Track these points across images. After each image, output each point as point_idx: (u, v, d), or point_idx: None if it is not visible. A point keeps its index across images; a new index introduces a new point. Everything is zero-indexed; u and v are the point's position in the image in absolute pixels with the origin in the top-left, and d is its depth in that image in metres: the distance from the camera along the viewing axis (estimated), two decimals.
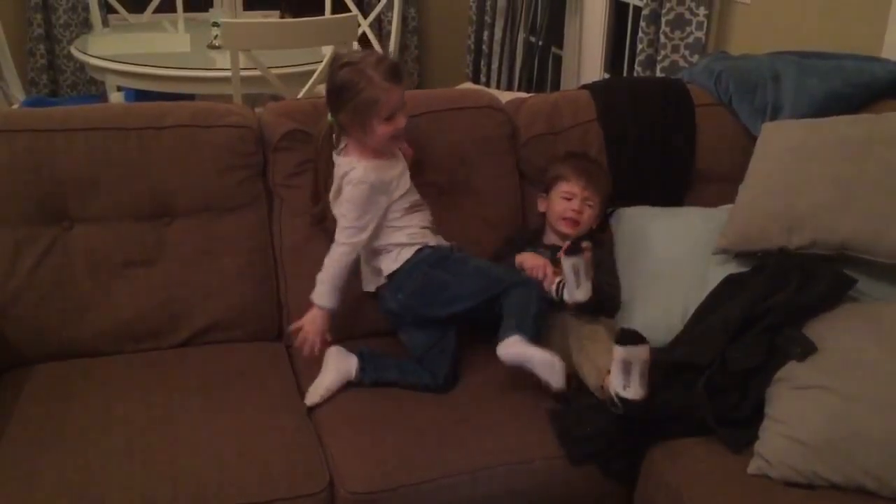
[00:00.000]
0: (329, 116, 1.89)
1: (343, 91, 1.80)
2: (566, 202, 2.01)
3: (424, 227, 1.92)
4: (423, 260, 1.87)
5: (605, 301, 1.89)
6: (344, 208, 1.85)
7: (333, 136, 1.90)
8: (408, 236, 1.89)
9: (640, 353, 1.59)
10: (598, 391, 1.68)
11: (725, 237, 1.91)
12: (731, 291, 1.81)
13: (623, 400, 1.59)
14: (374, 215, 1.85)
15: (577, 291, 1.77)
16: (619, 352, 1.59)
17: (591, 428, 1.66)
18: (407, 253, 1.87)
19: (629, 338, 1.60)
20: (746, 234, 1.89)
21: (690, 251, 1.98)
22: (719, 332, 1.71)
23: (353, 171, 1.84)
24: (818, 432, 1.53)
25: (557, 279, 1.83)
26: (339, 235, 1.85)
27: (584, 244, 1.77)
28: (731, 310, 1.74)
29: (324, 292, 1.83)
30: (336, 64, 1.83)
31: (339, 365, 1.82)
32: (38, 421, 1.66)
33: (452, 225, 2.05)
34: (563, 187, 2.03)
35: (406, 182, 1.91)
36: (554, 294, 1.83)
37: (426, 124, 2.07)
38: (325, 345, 1.84)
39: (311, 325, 1.83)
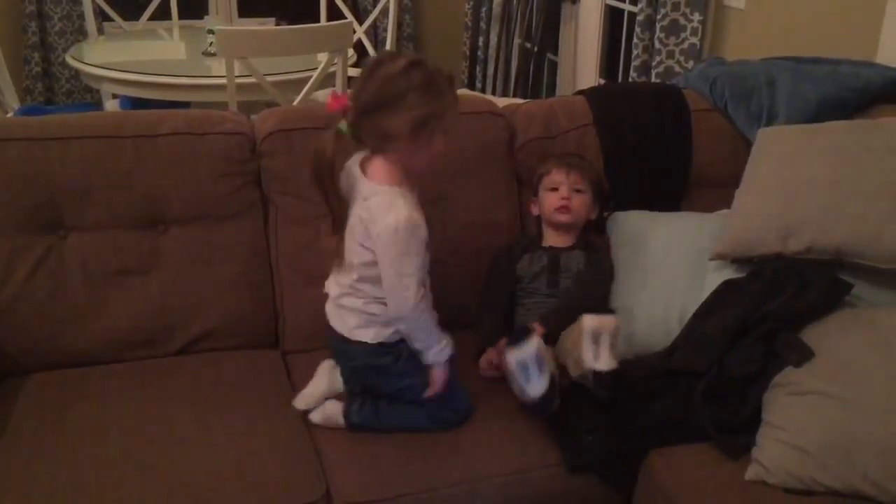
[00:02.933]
0: (343, 126, 1.58)
1: (415, 94, 1.52)
2: (554, 193, 1.99)
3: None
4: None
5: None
6: (402, 259, 1.55)
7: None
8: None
9: (608, 323, 1.59)
10: (581, 378, 1.64)
11: (722, 243, 1.91)
12: (729, 297, 1.81)
13: (595, 374, 1.57)
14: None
15: (530, 386, 1.62)
16: (588, 322, 1.58)
17: (591, 437, 1.65)
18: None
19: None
20: (743, 241, 1.88)
21: (687, 256, 1.98)
22: (717, 338, 1.71)
23: (391, 212, 1.54)
24: (816, 438, 1.53)
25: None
26: (411, 292, 1.57)
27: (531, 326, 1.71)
28: (728, 315, 1.74)
29: (442, 347, 1.65)
30: (398, 62, 1.53)
31: (331, 377, 1.77)
32: (34, 430, 1.65)
33: (450, 231, 2.05)
34: (548, 180, 2.01)
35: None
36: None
37: None
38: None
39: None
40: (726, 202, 2.02)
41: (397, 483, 1.58)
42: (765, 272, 1.80)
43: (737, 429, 1.64)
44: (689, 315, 1.84)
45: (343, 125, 1.58)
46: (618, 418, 1.68)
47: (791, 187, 1.87)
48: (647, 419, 1.67)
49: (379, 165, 1.61)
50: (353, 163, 1.66)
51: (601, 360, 1.57)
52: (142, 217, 1.93)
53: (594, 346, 1.57)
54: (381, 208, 1.56)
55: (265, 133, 2.00)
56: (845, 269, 1.79)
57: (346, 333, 1.70)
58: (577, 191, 2.00)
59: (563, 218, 1.98)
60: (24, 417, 1.69)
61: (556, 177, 2.00)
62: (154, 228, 1.95)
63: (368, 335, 1.67)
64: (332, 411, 1.72)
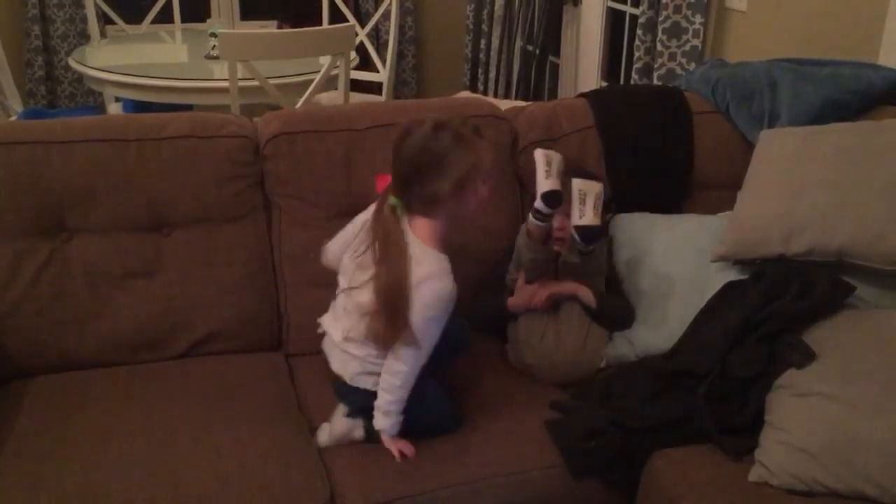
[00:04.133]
0: (393, 200, 1.62)
1: (450, 154, 1.58)
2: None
3: None
4: None
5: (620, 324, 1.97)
6: (432, 323, 1.59)
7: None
8: None
9: (594, 186, 1.83)
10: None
11: (724, 245, 1.92)
12: (731, 299, 1.81)
13: (579, 228, 1.80)
14: None
15: (584, 217, 1.80)
16: (576, 183, 1.81)
17: (594, 441, 1.65)
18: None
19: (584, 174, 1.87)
20: (745, 242, 1.89)
21: (689, 258, 1.98)
22: (719, 340, 1.71)
23: (441, 280, 1.58)
24: (818, 439, 1.53)
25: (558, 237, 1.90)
26: (424, 352, 1.60)
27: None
28: (730, 317, 1.74)
29: (398, 419, 1.64)
30: (424, 128, 1.59)
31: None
32: (39, 433, 1.65)
33: (453, 235, 2.04)
34: None
35: None
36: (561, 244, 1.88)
37: None
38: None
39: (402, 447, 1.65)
40: (728, 204, 2.03)
41: (399, 486, 1.59)
42: (767, 274, 1.80)
43: (739, 430, 1.65)
44: (692, 317, 1.85)
45: (393, 200, 1.63)
46: (620, 420, 1.68)
47: (793, 189, 1.88)
48: (649, 421, 1.67)
49: (424, 225, 1.63)
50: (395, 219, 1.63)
51: (585, 217, 1.79)
52: (145, 220, 1.93)
53: (581, 206, 1.80)
54: (433, 273, 1.59)
55: (268, 136, 2.00)
56: (847, 271, 1.79)
57: (346, 378, 1.70)
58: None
59: (559, 248, 1.95)
60: (28, 420, 1.69)
61: None
62: (157, 231, 1.95)
63: (369, 383, 1.67)
64: (345, 429, 1.69)
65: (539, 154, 1.86)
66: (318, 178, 2.02)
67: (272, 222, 2.04)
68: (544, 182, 1.82)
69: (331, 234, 1.97)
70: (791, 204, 1.86)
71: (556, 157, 1.86)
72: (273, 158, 2.00)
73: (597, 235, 1.83)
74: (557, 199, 1.81)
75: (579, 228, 1.81)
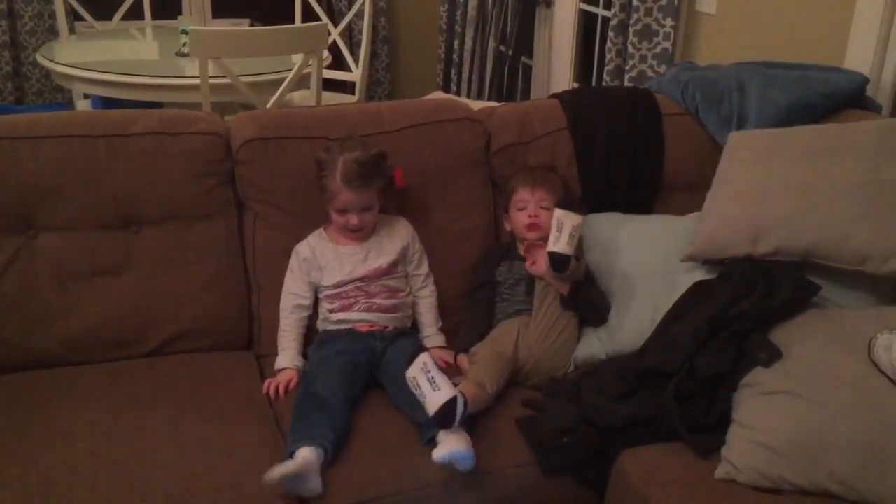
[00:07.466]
0: None
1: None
2: (522, 212, 2.05)
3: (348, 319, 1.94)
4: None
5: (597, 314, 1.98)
6: None
7: None
8: (322, 318, 1.98)
9: (573, 217, 1.87)
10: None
11: (693, 246, 1.93)
12: (699, 298, 1.82)
13: (550, 254, 1.85)
14: (300, 283, 1.96)
15: (558, 244, 1.85)
16: (556, 212, 1.88)
17: (567, 438, 1.66)
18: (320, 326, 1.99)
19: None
20: (713, 243, 1.91)
21: (659, 258, 2.00)
22: (688, 339, 1.72)
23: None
24: (784, 437, 1.55)
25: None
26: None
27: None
28: (699, 317, 1.75)
29: (277, 359, 1.94)
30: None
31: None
32: (3, 431, 1.62)
33: (429, 239, 2.06)
34: (516, 199, 2.07)
35: (346, 274, 1.94)
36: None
37: (404, 139, 2.07)
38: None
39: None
40: (697, 205, 2.04)
41: (371, 486, 1.58)
42: (735, 273, 1.82)
43: (707, 428, 1.66)
44: (661, 316, 1.86)
45: None
46: (590, 418, 1.69)
47: (760, 190, 1.90)
48: (618, 419, 1.68)
49: None
50: None
51: (559, 244, 1.84)
52: (114, 217, 1.91)
53: (557, 233, 1.85)
54: None
55: (242, 140, 1.98)
56: (813, 271, 1.82)
57: None
58: (544, 207, 2.04)
59: (532, 235, 2.03)
60: None
61: (523, 195, 2.06)
62: (127, 228, 1.93)
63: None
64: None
65: (555, 217, 1.89)
66: (292, 186, 2.00)
67: (245, 224, 2.03)
68: (553, 245, 1.86)
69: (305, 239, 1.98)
70: (758, 205, 1.88)
71: (574, 220, 1.87)
72: (247, 163, 1.99)
73: (564, 264, 1.86)
74: (564, 264, 1.86)
75: (551, 255, 1.85)
